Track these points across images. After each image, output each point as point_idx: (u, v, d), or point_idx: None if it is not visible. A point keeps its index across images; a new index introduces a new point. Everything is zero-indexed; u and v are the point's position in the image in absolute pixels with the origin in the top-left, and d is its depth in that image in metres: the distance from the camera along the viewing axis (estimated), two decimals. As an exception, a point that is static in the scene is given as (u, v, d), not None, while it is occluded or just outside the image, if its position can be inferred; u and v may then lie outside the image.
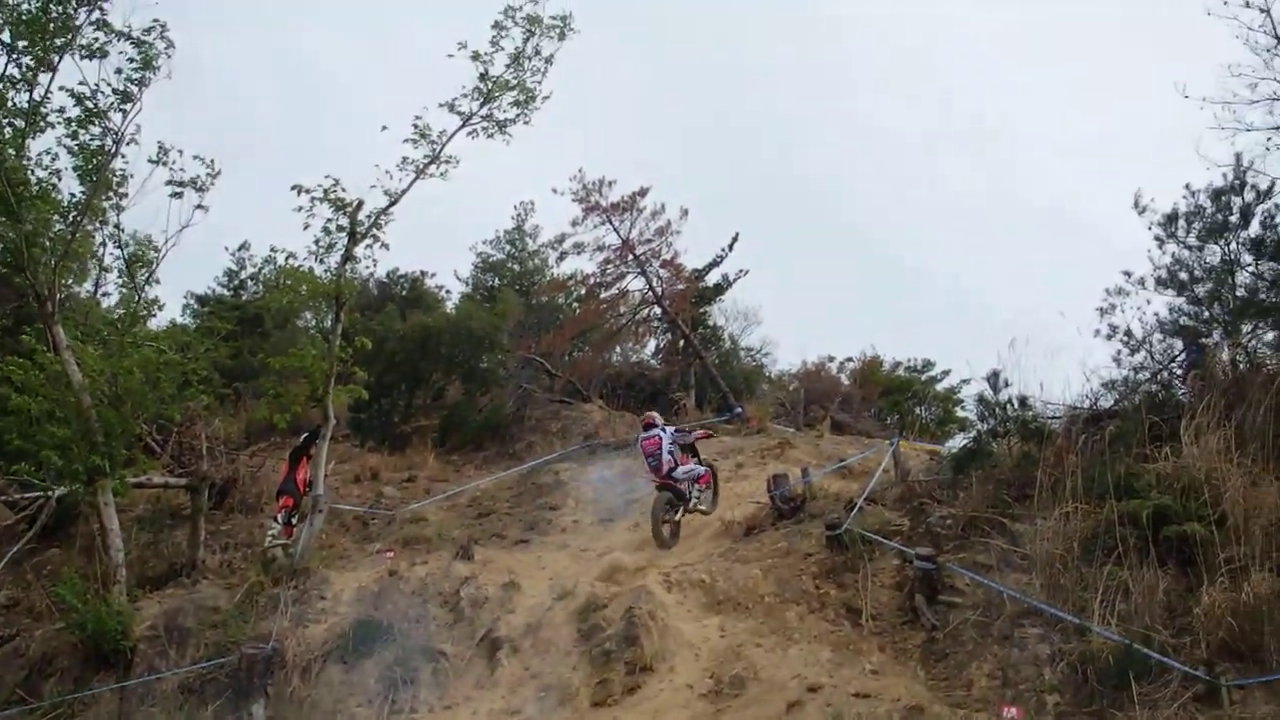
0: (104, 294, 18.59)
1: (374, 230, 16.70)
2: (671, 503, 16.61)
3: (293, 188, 15.94)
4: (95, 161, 15.65)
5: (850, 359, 34.16)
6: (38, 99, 15.37)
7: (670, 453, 17.05)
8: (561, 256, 31.58)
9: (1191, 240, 13.31)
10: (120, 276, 17.47)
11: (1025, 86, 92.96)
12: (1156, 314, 13.78)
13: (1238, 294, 12.81)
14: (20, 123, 15.22)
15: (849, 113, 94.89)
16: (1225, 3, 14.05)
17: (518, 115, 17.80)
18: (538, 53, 17.57)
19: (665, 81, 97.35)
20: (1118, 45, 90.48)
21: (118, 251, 17.07)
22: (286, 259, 16.67)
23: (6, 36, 15.14)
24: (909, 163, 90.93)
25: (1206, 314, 13.24)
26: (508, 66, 17.43)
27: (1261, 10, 13.83)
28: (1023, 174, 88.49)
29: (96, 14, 15.61)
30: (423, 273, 35.42)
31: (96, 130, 15.72)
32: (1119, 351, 13.94)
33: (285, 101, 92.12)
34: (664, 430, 17.50)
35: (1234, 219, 12.87)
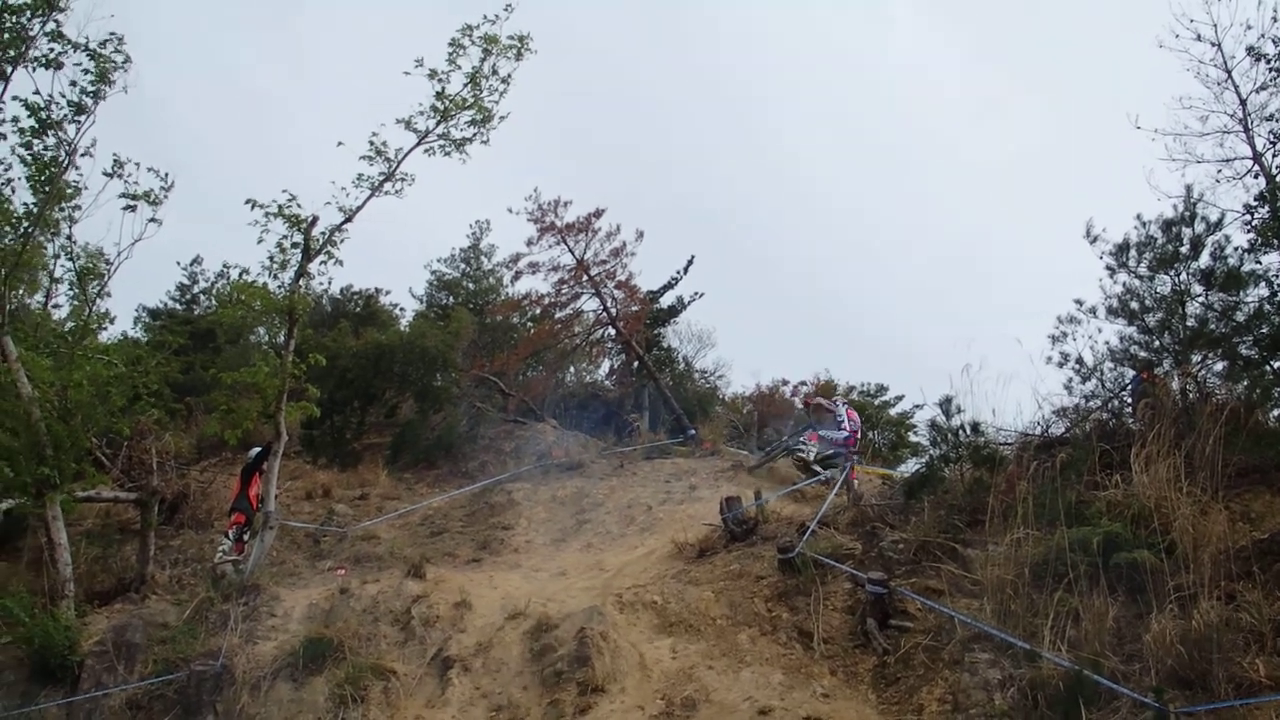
0: (55, 306, 18.46)
1: (328, 247, 16.65)
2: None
3: (247, 202, 15.90)
4: (48, 173, 15.53)
5: (804, 382, 34.27)
6: (-10, 108, 15.28)
7: None
8: (516, 276, 31.66)
9: (1142, 270, 13.43)
10: (71, 289, 17.37)
11: (970, 115, 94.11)
12: (1108, 343, 13.93)
13: (1188, 324, 12.95)
14: (-29, 132, 15.13)
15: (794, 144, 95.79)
16: (1176, 36, 14.27)
17: (475, 134, 17.80)
18: (495, 72, 17.58)
19: (620, 107, 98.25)
20: (1067, 72, 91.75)
21: (69, 263, 16.92)
22: (240, 274, 16.60)
23: (-42, 47, 15.06)
24: (852, 193, 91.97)
25: (1157, 343, 13.38)
26: (465, 85, 17.44)
27: (1212, 44, 14.06)
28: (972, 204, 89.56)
29: (51, 25, 15.53)
30: (377, 290, 35.35)
31: (50, 141, 15.61)
32: (1070, 379, 14.08)
33: (236, 122, 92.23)
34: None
35: (1184, 250, 13.00)
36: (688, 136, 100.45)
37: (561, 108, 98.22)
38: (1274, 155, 13.58)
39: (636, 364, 31.42)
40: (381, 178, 16.98)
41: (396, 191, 17.19)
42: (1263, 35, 13.64)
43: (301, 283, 16.68)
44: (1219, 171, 13.88)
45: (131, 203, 16.12)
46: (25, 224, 15.59)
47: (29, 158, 15.42)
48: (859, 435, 20.08)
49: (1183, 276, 13.09)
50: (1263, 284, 12.83)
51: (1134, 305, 13.53)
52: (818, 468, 19.33)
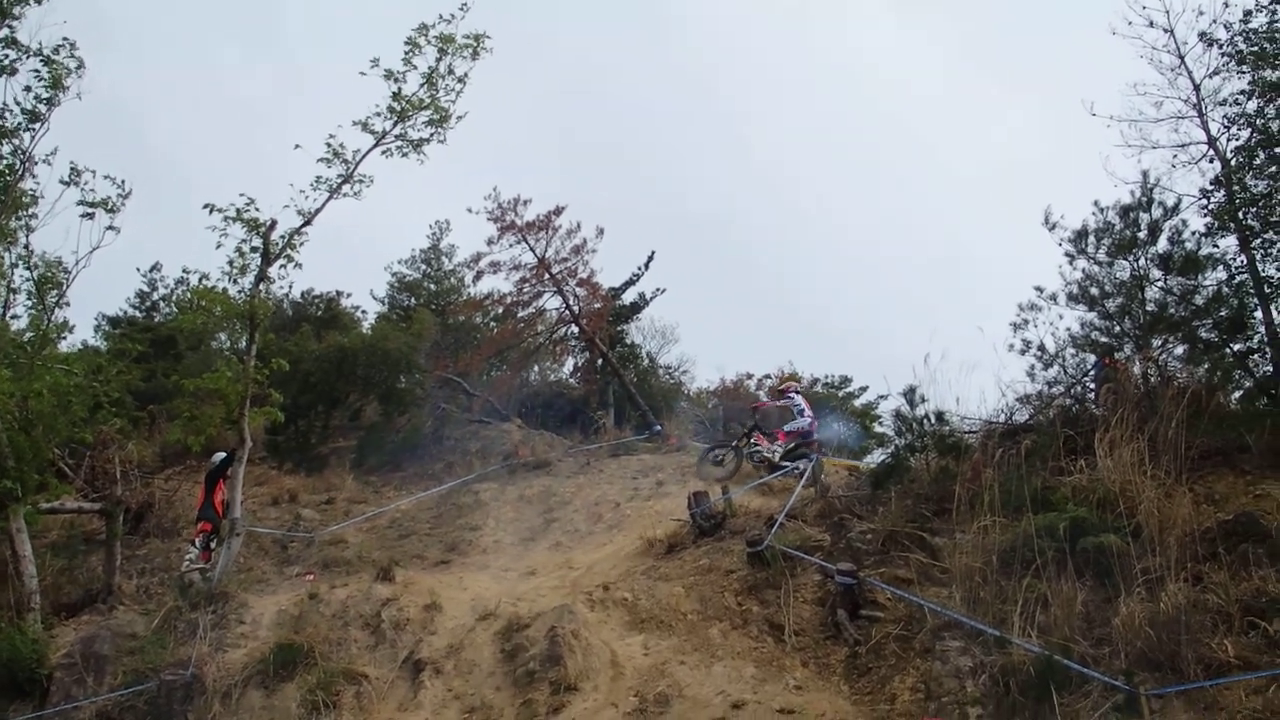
0: (13, 316, 18.24)
1: (288, 250, 16.50)
2: None
3: (205, 206, 15.73)
4: (3, 181, 15.39)
5: (768, 376, 34.33)
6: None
7: None
8: (478, 276, 31.49)
9: (1101, 256, 13.52)
10: (30, 298, 17.17)
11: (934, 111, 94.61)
12: (1069, 329, 13.99)
13: (1147, 309, 13.05)
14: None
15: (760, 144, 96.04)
16: (1129, 23, 14.36)
17: (432, 134, 17.70)
18: (451, 72, 17.49)
19: (577, 107, 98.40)
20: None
21: (27, 273, 16.80)
22: (200, 280, 16.45)
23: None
24: (813, 189, 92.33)
25: (1118, 329, 13.46)
26: (421, 85, 17.36)
27: (1165, 30, 14.15)
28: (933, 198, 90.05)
29: (5, 31, 15.39)
30: (338, 293, 35.06)
31: (6, 149, 15.48)
32: (1033, 366, 14.13)
33: (194, 127, 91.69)
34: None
35: (1142, 235, 13.12)
36: (674, 139, 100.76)
37: (551, 110, 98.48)
38: (1228, 140, 13.70)
39: (600, 361, 31.40)
40: (340, 180, 16.84)
41: (355, 193, 17.03)
42: (1214, 21, 13.75)
43: (262, 287, 16.51)
44: (1174, 157, 13.97)
45: (89, 210, 16.01)
46: (-20, 234, 15.48)
47: (-18, 166, 15.31)
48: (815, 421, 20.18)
49: (1141, 261, 13.20)
50: (1220, 267, 12.98)
51: (1094, 291, 13.60)
52: (785, 463, 19.30)
